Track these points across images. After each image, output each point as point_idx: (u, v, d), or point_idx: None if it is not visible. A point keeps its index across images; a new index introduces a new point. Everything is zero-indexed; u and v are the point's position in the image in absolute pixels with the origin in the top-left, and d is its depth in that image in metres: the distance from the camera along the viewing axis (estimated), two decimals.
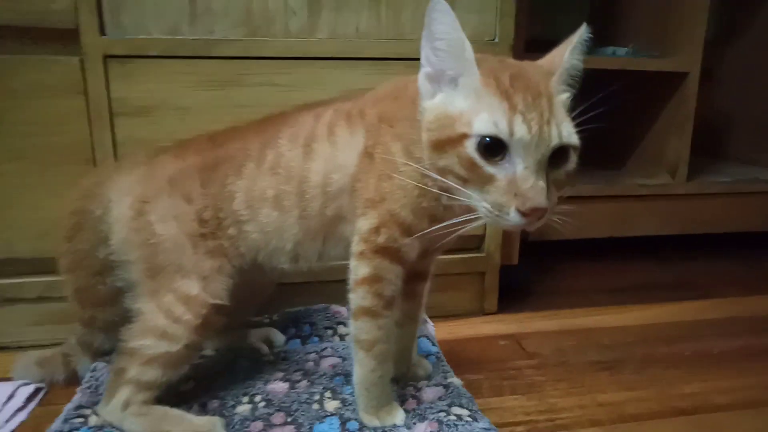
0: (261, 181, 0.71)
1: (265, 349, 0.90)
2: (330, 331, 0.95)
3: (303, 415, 0.72)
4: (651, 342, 0.97)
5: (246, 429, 0.70)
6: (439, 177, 0.56)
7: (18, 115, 0.85)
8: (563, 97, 0.56)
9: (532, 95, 0.53)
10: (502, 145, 0.52)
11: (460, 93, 0.55)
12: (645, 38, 1.39)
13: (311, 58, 0.92)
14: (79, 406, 0.73)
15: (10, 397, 0.77)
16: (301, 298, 1.02)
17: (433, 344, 0.91)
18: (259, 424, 0.70)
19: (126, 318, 0.80)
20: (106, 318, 0.81)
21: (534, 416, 0.76)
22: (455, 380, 0.79)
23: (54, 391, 0.81)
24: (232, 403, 0.75)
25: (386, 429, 0.69)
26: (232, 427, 0.70)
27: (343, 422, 0.71)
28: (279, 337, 0.93)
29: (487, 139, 0.51)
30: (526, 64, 0.59)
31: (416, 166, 0.60)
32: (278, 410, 0.73)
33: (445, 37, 0.54)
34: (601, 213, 1.26)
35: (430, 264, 0.76)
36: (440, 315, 1.04)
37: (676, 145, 1.30)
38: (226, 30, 0.88)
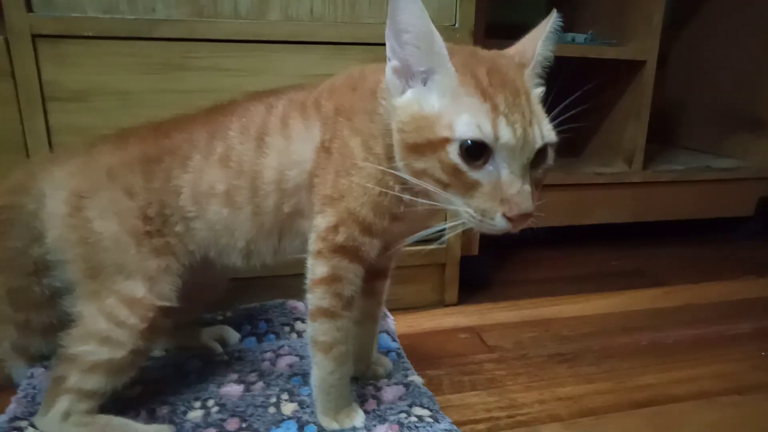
0: (209, 174, 0.66)
1: (218, 348, 0.85)
2: (287, 328, 0.92)
3: (258, 419, 0.69)
4: (608, 332, 0.98)
5: None
6: (413, 179, 0.53)
7: None
8: (538, 91, 0.54)
9: (512, 94, 0.50)
10: (485, 149, 0.49)
11: (434, 90, 0.51)
12: (603, 25, 1.39)
13: (262, 42, 0.86)
14: (14, 418, 0.68)
15: None
16: (256, 293, 0.98)
17: (394, 340, 0.89)
18: (212, 431, 0.67)
19: (65, 321, 0.75)
20: (43, 321, 0.75)
21: (495, 413, 0.75)
22: (416, 378, 0.78)
23: None
24: (183, 408, 0.71)
25: None
26: None
27: (301, 426, 0.68)
28: (233, 336, 0.89)
29: (470, 143, 0.48)
30: (498, 56, 0.55)
31: (376, 166, 0.57)
32: (232, 415, 0.70)
33: (411, 29, 0.50)
34: (558, 202, 1.26)
35: (390, 261, 0.73)
36: (400, 308, 1.02)
37: (632, 134, 1.31)
38: (169, 9, 0.82)
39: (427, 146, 0.50)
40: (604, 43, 1.31)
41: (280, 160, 0.64)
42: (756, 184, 1.44)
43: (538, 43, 0.55)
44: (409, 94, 0.53)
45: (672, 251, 1.42)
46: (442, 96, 0.51)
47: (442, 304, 1.06)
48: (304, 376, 0.78)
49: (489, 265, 1.20)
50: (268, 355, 0.84)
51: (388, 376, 0.79)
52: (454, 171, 0.49)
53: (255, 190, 0.65)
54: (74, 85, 0.81)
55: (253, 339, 0.89)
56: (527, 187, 0.49)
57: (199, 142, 0.67)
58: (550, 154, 0.53)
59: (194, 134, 0.68)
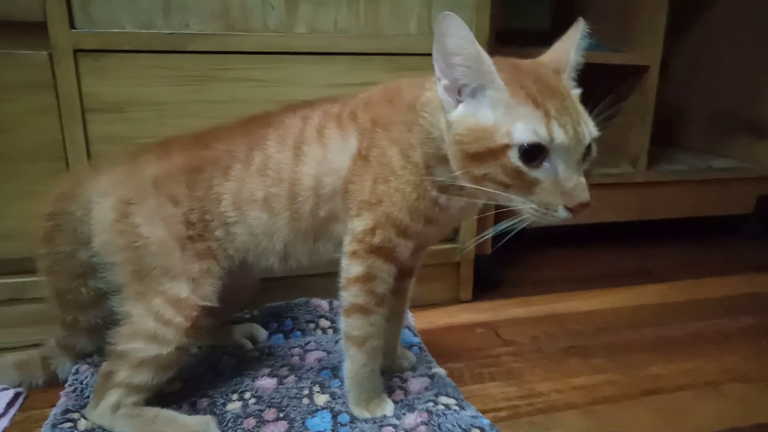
0: (249, 183, 0.71)
1: (249, 345, 0.90)
2: (312, 325, 0.96)
3: (294, 410, 0.74)
4: (617, 326, 1.03)
5: (239, 426, 0.71)
6: (471, 184, 0.57)
7: None
8: (576, 93, 0.59)
9: (558, 99, 0.54)
10: (542, 150, 0.53)
11: (485, 104, 0.55)
12: (607, 32, 1.43)
13: (289, 53, 0.91)
14: (66, 410, 0.72)
15: None
16: (281, 292, 1.02)
17: (415, 335, 0.93)
18: (251, 421, 0.71)
19: (109, 320, 0.79)
20: (89, 320, 0.80)
21: (515, 401, 0.80)
22: (439, 370, 0.82)
23: (33, 395, 0.80)
24: (222, 401, 0.76)
25: (377, 420, 0.72)
26: (225, 425, 0.71)
27: (334, 415, 0.73)
28: (262, 333, 0.93)
29: (528, 146, 0.53)
30: (537, 65, 0.60)
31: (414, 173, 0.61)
32: (269, 406, 0.74)
33: (461, 52, 0.54)
34: None
35: (417, 261, 0.78)
36: (418, 305, 1.07)
37: (637, 136, 1.36)
38: (201, 24, 0.87)
39: (488, 154, 0.54)
40: (609, 50, 1.36)
41: (318, 168, 0.68)
42: (755, 184, 1.49)
43: (570, 50, 0.60)
44: (461, 108, 0.57)
45: (675, 249, 1.47)
46: (494, 108, 0.55)
47: (457, 301, 1.11)
48: (333, 370, 0.83)
49: (501, 264, 1.24)
50: (297, 350, 0.89)
51: (413, 368, 0.84)
52: (516, 173, 0.54)
53: (293, 196, 0.69)
54: (112, 96, 0.86)
55: (281, 336, 0.94)
56: (582, 180, 0.54)
57: (238, 153, 0.72)
58: (594, 147, 0.57)
59: (234, 146, 0.72)
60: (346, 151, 0.68)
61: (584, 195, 0.53)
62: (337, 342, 0.90)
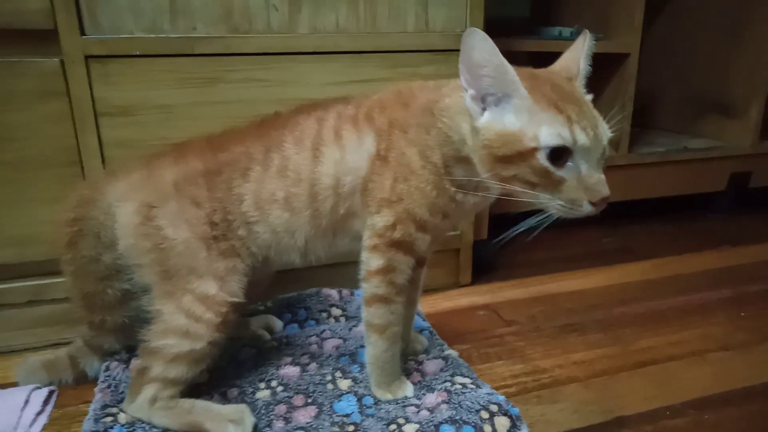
0: (269, 184, 0.74)
1: (266, 335, 0.94)
2: (324, 314, 1.01)
3: (321, 395, 0.78)
4: (608, 303, 1.10)
5: (271, 413, 0.75)
6: (498, 183, 0.62)
7: None
8: (589, 98, 0.63)
9: (576, 104, 0.59)
10: (566, 152, 0.58)
11: (509, 111, 0.60)
12: (587, 19, 1.49)
13: (292, 53, 0.94)
14: (105, 405, 0.75)
15: (26, 402, 0.78)
16: (291, 284, 1.06)
17: (424, 320, 0.99)
18: (282, 408, 0.76)
19: (135, 318, 0.83)
20: (116, 320, 0.82)
21: (521, 378, 0.86)
22: (452, 352, 0.88)
23: (63, 392, 0.83)
24: (251, 390, 0.80)
25: (399, 401, 0.77)
26: (258, 413, 0.75)
27: (359, 398, 0.78)
28: (278, 323, 0.98)
29: (554, 148, 0.57)
30: (551, 74, 0.64)
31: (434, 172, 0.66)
32: (297, 393, 0.79)
33: (487, 64, 0.59)
34: None
35: (430, 251, 0.83)
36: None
37: (617, 121, 1.42)
38: (207, 27, 0.89)
39: (517, 156, 0.59)
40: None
41: (337, 168, 0.72)
42: (728, 162, 1.58)
43: (580, 60, 0.65)
44: (487, 115, 0.61)
45: (655, 227, 1.55)
46: (519, 114, 0.59)
47: (457, 285, 1.17)
48: (351, 356, 0.88)
49: (493, 247, 1.30)
50: (313, 339, 0.93)
51: (426, 351, 0.89)
52: (544, 172, 0.58)
53: (314, 195, 0.73)
54: (122, 101, 0.88)
55: (295, 325, 0.98)
56: (602, 176, 0.59)
57: (256, 155, 0.75)
58: (608, 146, 0.62)
59: (250, 148, 0.75)
60: (363, 151, 0.72)
61: (606, 190, 0.59)
62: (350, 329, 0.95)
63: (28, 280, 0.91)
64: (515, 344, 0.95)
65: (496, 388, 0.81)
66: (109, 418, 0.73)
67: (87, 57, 0.84)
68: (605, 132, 0.60)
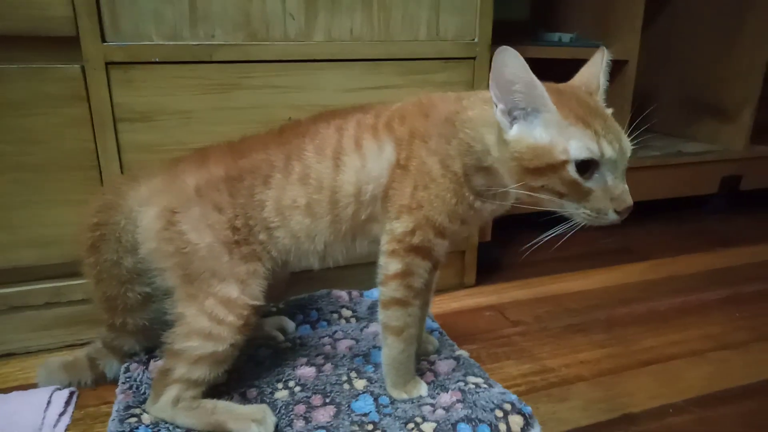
0: (291, 190, 0.76)
1: (280, 336, 0.96)
2: (335, 315, 1.03)
3: (338, 395, 0.81)
4: (609, 304, 1.14)
5: (291, 413, 0.77)
6: (527, 193, 0.64)
7: (19, 124, 0.84)
8: (610, 112, 0.66)
9: (601, 118, 0.62)
10: (594, 164, 0.60)
11: (537, 125, 0.62)
12: (587, 25, 1.53)
13: (308, 61, 0.96)
14: (128, 407, 0.77)
15: (48, 402, 0.79)
16: (300, 285, 1.08)
17: (433, 320, 1.01)
18: (301, 407, 0.78)
19: (155, 321, 0.85)
20: (137, 323, 0.84)
21: (530, 377, 0.89)
22: (462, 352, 0.91)
23: (83, 394, 0.84)
24: (269, 390, 0.82)
25: (414, 401, 0.80)
26: (278, 412, 0.77)
27: (375, 398, 0.80)
28: (290, 324, 1.00)
29: (583, 161, 0.60)
30: (574, 89, 0.66)
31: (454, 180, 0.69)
32: (314, 393, 0.81)
33: (518, 81, 0.61)
34: None
35: (445, 256, 0.85)
36: None
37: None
38: (226, 34, 0.90)
39: (547, 168, 0.61)
40: (589, 45, 1.45)
41: (358, 177, 0.74)
42: (719, 166, 1.62)
43: (599, 76, 0.67)
44: (516, 129, 0.63)
45: (651, 228, 1.59)
46: (547, 128, 0.62)
47: (462, 286, 1.20)
48: (365, 356, 0.90)
49: (496, 249, 1.33)
50: (326, 339, 0.95)
51: (437, 352, 0.92)
52: (573, 184, 0.61)
53: (335, 202, 0.75)
54: (141, 106, 0.89)
55: (308, 326, 1.00)
56: (626, 186, 0.62)
57: (277, 162, 0.77)
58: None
59: (271, 155, 0.77)
60: (384, 159, 0.74)
61: (629, 200, 0.62)
62: (362, 330, 0.98)
63: (47, 282, 0.92)
64: (522, 344, 0.98)
65: (507, 387, 0.84)
66: (134, 419, 0.75)
67: (107, 63, 0.85)
68: (628, 145, 0.63)
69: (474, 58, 1.04)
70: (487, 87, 1.03)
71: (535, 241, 0.66)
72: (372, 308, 1.05)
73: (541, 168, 0.62)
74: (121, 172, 0.90)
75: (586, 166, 0.61)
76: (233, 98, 0.93)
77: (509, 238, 1.44)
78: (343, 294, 1.08)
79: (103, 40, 0.84)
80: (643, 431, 0.77)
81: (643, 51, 1.47)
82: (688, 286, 1.22)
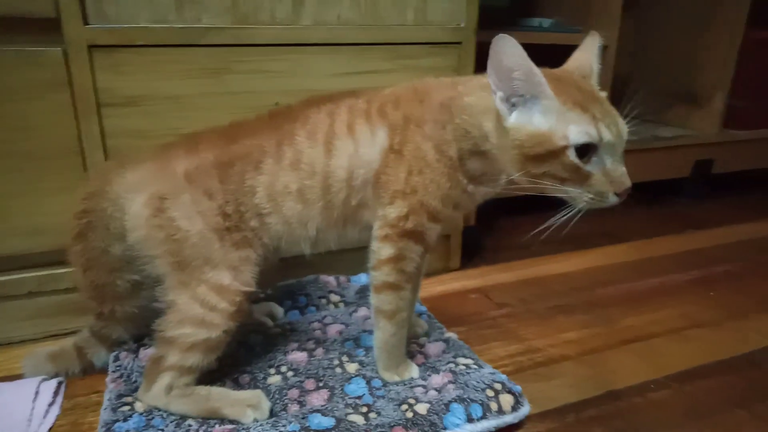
0: (282, 176, 0.76)
1: (270, 322, 0.96)
2: (324, 300, 1.04)
3: (331, 379, 0.82)
4: (591, 285, 1.17)
5: (285, 397, 0.78)
6: (530, 179, 0.65)
7: None
8: (604, 96, 0.67)
9: (598, 102, 0.63)
10: (593, 148, 0.62)
11: (535, 111, 0.63)
12: (567, 11, 1.54)
13: (297, 45, 0.95)
14: (120, 395, 0.77)
15: (36, 393, 0.78)
16: (290, 271, 1.08)
17: (421, 304, 1.03)
18: (295, 392, 0.79)
19: (144, 308, 0.84)
20: (126, 311, 0.83)
21: (517, 357, 0.91)
22: (451, 334, 0.92)
23: (72, 383, 0.83)
24: (261, 375, 0.82)
25: (406, 383, 0.81)
26: (271, 397, 0.78)
27: (368, 381, 0.81)
28: (279, 310, 1.00)
29: (583, 145, 0.61)
30: (569, 74, 0.67)
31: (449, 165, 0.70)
32: (307, 377, 0.82)
33: (518, 68, 0.61)
34: None
35: (435, 240, 0.86)
36: None
37: None
38: (213, 18, 0.89)
39: (548, 155, 0.62)
40: (570, 30, 1.47)
41: (350, 162, 0.74)
42: (692, 150, 1.67)
43: (591, 60, 0.69)
44: (516, 116, 0.64)
45: (627, 211, 1.63)
46: (546, 115, 0.62)
47: (447, 270, 1.21)
48: (355, 340, 0.91)
49: (480, 232, 1.35)
50: (316, 324, 0.96)
51: (426, 334, 0.93)
52: (574, 168, 0.62)
53: (327, 187, 0.75)
54: (127, 91, 0.87)
55: (296, 312, 1.01)
56: (624, 169, 0.64)
57: (268, 147, 0.76)
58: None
59: (262, 141, 0.77)
60: (376, 144, 0.74)
61: (628, 181, 0.63)
62: (351, 315, 0.99)
63: (31, 271, 0.90)
64: (508, 326, 1.01)
65: (495, 368, 0.86)
66: (126, 407, 0.75)
67: (91, 46, 0.83)
68: (624, 128, 0.65)
69: (460, 43, 1.05)
70: (473, 72, 1.06)
71: (546, 224, 0.67)
72: (360, 293, 1.06)
73: (542, 154, 0.63)
74: (106, 159, 0.88)
75: (585, 150, 0.62)
76: (223, 83, 0.92)
77: (490, 222, 1.46)
78: (331, 279, 1.08)
79: (86, 23, 0.82)
80: (627, 406, 0.80)
81: (620, 38, 1.49)
82: (665, 268, 1.26)
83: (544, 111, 0.63)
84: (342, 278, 1.09)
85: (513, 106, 0.64)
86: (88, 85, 0.84)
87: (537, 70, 0.62)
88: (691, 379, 0.87)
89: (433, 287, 1.14)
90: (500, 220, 1.49)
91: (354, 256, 0.96)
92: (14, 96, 0.82)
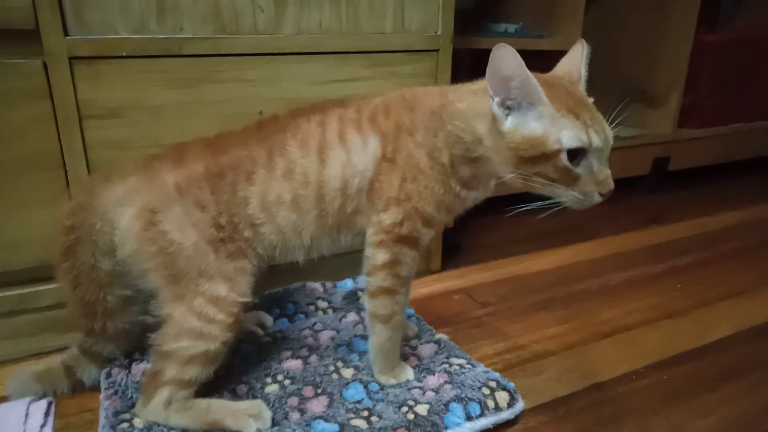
0: (275, 186, 0.76)
1: (260, 331, 0.96)
2: (312, 307, 1.04)
3: (329, 385, 0.83)
4: (565, 281, 1.21)
5: (285, 405, 0.78)
6: (521, 179, 0.68)
7: None
8: (591, 101, 0.70)
9: (588, 109, 0.66)
10: (583, 152, 0.65)
11: (530, 116, 0.66)
12: (531, 16, 1.59)
13: (278, 54, 0.95)
14: (117, 412, 0.76)
15: (26, 415, 0.76)
16: (274, 279, 1.08)
17: (409, 307, 1.05)
18: (294, 400, 0.79)
19: (136, 323, 0.83)
20: (117, 327, 0.82)
21: (505, 355, 0.94)
22: (442, 335, 0.95)
23: (61, 402, 0.81)
24: (259, 385, 0.83)
25: (403, 385, 0.83)
26: (271, 406, 0.78)
27: (365, 385, 0.83)
28: (268, 319, 1.00)
29: (574, 150, 0.64)
30: (558, 80, 0.70)
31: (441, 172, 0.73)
32: (305, 384, 0.83)
33: (515, 76, 0.64)
34: None
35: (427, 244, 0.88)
36: None
37: None
38: (194, 27, 0.88)
39: (542, 157, 0.65)
40: (535, 36, 1.52)
41: (344, 170, 0.76)
42: (651, 148, 1.75)
43: (580, 67, 0.72)
44: (511, 120, 0.66)
45: (591, 208, 1.69)
46: (541, 120, 0.65)
47: (428, 272, 1.24)
48: (347, 345, 0.92)
49: (455, 233, 1.38)
50: (307, 332, 0.97)
51: (417, 337, 0.95)
52: (564, 170, 0.65)
53: (321, 196, 0.76)
54: (109, 102, 0.86)
55: (285, 320, 1.01)
56: (609, 172, 0.67)
57: (259, 158, 0.76)
58: None
59: (253, 151, 0.77)
60: (369, 153, 0.76)
61: (612, 183, 0.67)
62: (341, 320, 1.00)
63: (11, 289, 0.87)
64: (493, 324, 1.04)
65: (486, 366, 0.89)
66: (126, 424, 0.74)
67: (71, 58, 0.81)
68: (610, 134, 0.68)
69: (437, 50, 1.07)
70: (450, 78, 1.09)
71: (514, 209, 0.71)
72: (347, 298, 1.07)
73: (535, 157, 0.66)
74: (88, 172, 0.86)
75: (576, 154, 0.65)
76: (203, 92, 0.92)
77: (464, 223, 1.50)
78: (318, 286, 1.09)
79: (66, 34, 0.80)
80: (612, 396, 0.85)
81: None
82: (632, 261, 1.32)
83: (538, 116, 0.66)
84: (328, 284, 1.10)
85: (508, 110, 0.67)
86: (69, 96, 0.83)
87: (534, 79, 0.65)
88: (667, 367, 0.92)
89: (416, 290, 1.16)
90: (471, 221, 1.53)
91: (338, 261, 0.97)
92: None
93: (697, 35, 1.69)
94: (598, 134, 0.66)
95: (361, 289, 1.09)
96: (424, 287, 1.18)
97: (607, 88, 1.90)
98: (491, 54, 0.63)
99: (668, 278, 1.24)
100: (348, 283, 1.11)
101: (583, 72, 0.73)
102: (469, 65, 1.52)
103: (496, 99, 0.66)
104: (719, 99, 1.87)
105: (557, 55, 1.52)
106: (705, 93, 1.81)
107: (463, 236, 1.43)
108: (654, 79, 1.78)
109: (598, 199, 0.68)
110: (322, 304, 1.05)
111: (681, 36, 1.70)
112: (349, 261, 0.99)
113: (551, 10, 1.54)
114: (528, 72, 0.64)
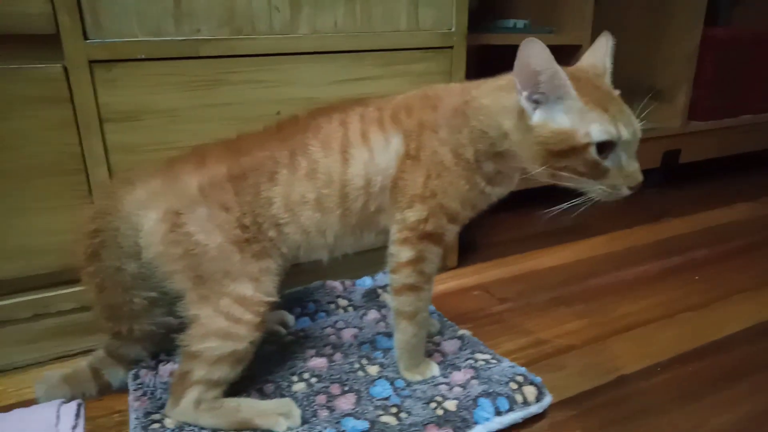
0: (299, 186, 0.76)
1: (283, 330, 0.97)
2: (332, 305, 1.05)
3: (355, 382, 0.83)
4: (581, 276, 1.22)
5: (313, 403, 0.79)
6: (550, 173, 0.68)
7: None
8: (618, 94, 0.70)
9: (615, 102, 0.66)
10: (612, 145, 0.65)
11: (558, 110, 0.65)
12: (539, 11, 1.59)
13: (293, 54, 0.95)
14: (147, 413, 0.76)
15: (58, 417, 0.77)
16: (293, 278, 1.08)
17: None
18: (322, 397, 0.80)
19: (162, 325, 0.83)
20: (143, 328, 0.82)
21: (527, 350, 0.95)
22: (465, 332, 0.95)
23: (89, 405, 0.82)
24: (285, 384, 0.83)
25: (429, 381, 0.83)
26: (299, 404, 0.78)
27: (391, 382, 0.83)
28: (290, 318, 1.00)
29: (603, 143, 0.64)
30: (585, 73, 0.70)
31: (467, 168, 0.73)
32: (332, 382, 0.83)
33: (544, 70, 0.64)
34: None
35: (451, 241, 0.88)
36: None
37: None
38: (211, 29, 0.89)
39: (571, 151, 0.65)
40: (543, 31, 1.52)
41: (367, 169, 0.76)
42: (662, 141, 1.75)
43: (605, 59, 0.72)
44: (539, 114, 0.67)
45: (599, 203, 1.69)
46: (570, 114, 0.65)
47: (445, 268, 1.24)
48: (371, 343, 0.93)
49: (467, 230, 1.39)
50: (329, 330, 0.97)
51: (439, 333, 0.96)
52: (593, 164, 0.65)
53: (345, 195, 0.76)
54: (126, 106, 0.86)
55: (307, 319, 1.01)
56: (638, 164, 0.67)
57: (281, 158, 0.77)
58: None
59: (274, 152, 0.77)
60: (391, 151, 0.76)
61: (641, 176, 0.67)
62: (362, 318, 1.00)
63: (34, 293, 0.88)
64: (513, 320, 1.04)
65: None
66: (157, 425, 0.74)
67: (91, 62, 0.82)
68: (638, 126, 0.68)
69: (451, 48, 1.08)
70: (465, 74, 1.09)
71: (553, 208, 0.71)
72: (366, 296, 1.07)
73: (564, 150, 0.66)
74: (110, 176, 0.86)
75: (604, 147, 0.65)
76: (219, 94, 0.92)
77: (477, 219, 1.50)
78: (337, 284, 1.09)
79: (86, 38, 0.81)
80: (635, 390, 0.85)
81: (593, 38, 1.55)
82: (647, 255, 1.32)
83: (567, 110, 0.66)
84: (347, 282, 1.10)
85: (536, 104, 0.67)
86: (89, 101, 0.83)
87: (563, 73, 0.65)
88: (691, 360, 0.92)
89: (435, 287, 1.16)
90: (486, 217, 1.53)
91: (355, 260, 0.97)
92: (13, 114, 0.79)
93: (705, 31, 1.69)
94: (627, 127, 0.66)
95: (381, 287, 1.09)
96: (442, 284, 1.18)
97: (617, 84, 1.90)
98: (520, 48, 0.64)
99: (686, 272, 1.24)
100: (367, 281, 1.12)
101: (608, 65, 0.73)
102: (475, 62, 1.52)
103: (525, 93, 0.66)
104: (728, 91, 1.87)
105: (566, 50, 1.54)
106: (714, 86, 1.81)
107: (476, 233, 1.43)
108: (662, 73, 1.78)
109: (626, 192, 0.68)
110: (343, 302, 1.06)
111: (687, 32, 1.70)
112: (367, 259, 0.99)
113: (559, 6, 1.55)
114: (557, 66, 0.64)
